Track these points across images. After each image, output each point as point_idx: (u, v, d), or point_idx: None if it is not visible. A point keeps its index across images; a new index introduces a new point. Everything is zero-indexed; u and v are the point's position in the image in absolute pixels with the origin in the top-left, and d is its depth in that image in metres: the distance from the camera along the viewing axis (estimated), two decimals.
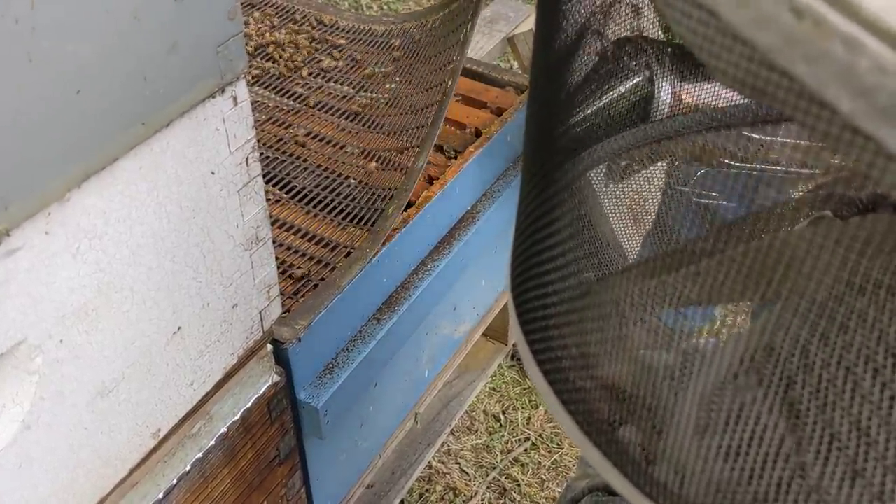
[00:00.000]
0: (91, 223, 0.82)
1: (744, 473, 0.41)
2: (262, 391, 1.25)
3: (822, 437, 0.39)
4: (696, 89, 0.68)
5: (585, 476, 0.91)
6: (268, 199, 1.57)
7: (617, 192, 0.66)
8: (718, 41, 0.32)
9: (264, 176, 1.62)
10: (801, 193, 0.60)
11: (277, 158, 1.69)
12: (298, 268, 1.47)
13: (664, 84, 0.67)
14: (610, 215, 0.66)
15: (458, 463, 2.42)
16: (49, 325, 0.82)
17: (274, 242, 1.49)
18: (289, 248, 1.50)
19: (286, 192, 1.62)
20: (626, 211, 0.66)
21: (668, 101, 0.68)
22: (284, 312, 1.37)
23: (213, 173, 0.94)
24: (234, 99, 0.93)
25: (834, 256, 0.37)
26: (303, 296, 1.42)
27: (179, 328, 0.98)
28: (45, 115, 0.73)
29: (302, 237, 1.53)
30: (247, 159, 0.98)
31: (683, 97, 0.67)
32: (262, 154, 1.68)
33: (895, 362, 0.38)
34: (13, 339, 0.79)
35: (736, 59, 0.32)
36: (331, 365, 1.45)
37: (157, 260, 0.91)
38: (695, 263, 0.45)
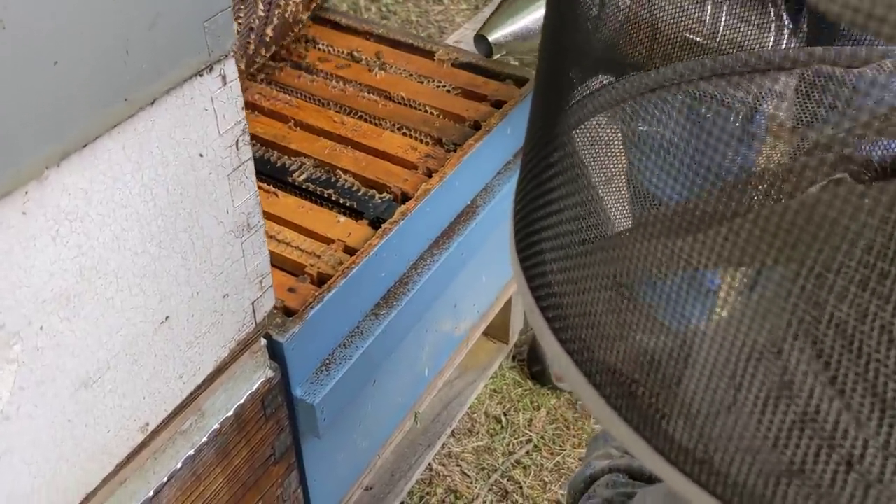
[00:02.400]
0: (72, 204, 0.78)
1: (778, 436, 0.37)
2: (255, 387, 1.21)
3: (864, 397, 0.36)
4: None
5: (608, 456, 0.88)
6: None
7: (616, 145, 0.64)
8: None
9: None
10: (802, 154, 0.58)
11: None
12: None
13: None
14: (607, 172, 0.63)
15: (459, 465, 2.38)
16: (28, 311, 0.78)
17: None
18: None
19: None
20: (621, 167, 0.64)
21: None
22: (278, 307, 1.33)
23: (201, 155, 0.90)
24: (223, 78, 0.90)
25: (858, 222, 0.36)
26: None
27: (167, 317, 0.94)
28: (20, 87, 0.69)
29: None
30: (237, 142, 0.94)
31: None
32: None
33: None
34: None
35: None
36: (327, 361, 1.41)
37: (142, 245, 0.87)
38: (714, 226, 0.43)
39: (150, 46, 0.79)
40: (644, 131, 0.61)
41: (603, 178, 0.63)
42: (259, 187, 1.55)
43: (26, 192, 0.74)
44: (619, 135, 0.64)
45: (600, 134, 0.63)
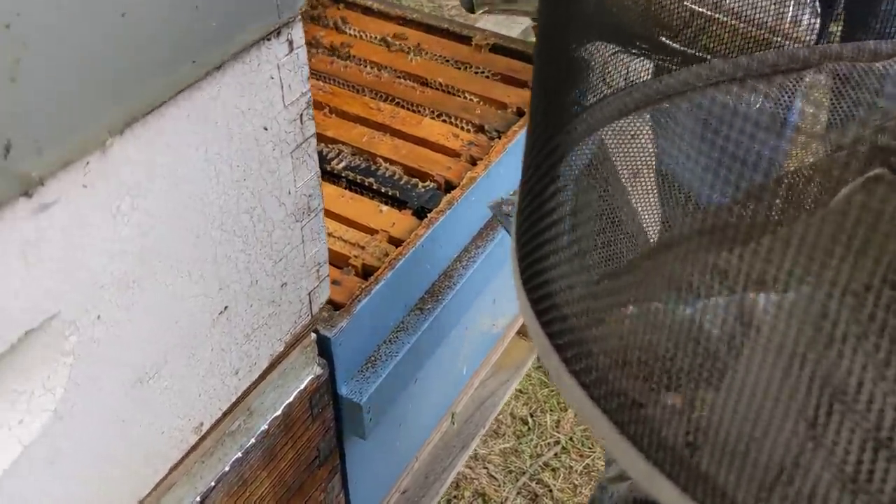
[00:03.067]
0: (134, 178, 0.70)
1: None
2: (304, 384, 1.13)
3: None
4: None
5: (625, 478, 0.82)
6: None
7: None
8: None
9: None
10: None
11: None
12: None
13: None
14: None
15: (486, 468, 2.30)
16: (85, 298, 0.70)
17: None
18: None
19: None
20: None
21: None
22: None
23: (266, 129, 0.82)
24: (290, 43, 0.82)
25: None
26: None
27: (226, 307, 0.86)
28: (85, 41, 0.61)
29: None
30: (301, 116, 0.86)
31: None
32: None
33: None
34: (46, 312, 0.67)
35: None
36: (373, 358, 1.33)
37: (204, 226, 0.79)
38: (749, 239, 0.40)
39: (220, 2, 0.71)
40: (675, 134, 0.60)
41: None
42: None
43: (87, 164, 0.65)
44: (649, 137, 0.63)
45: (629, 136, 0.61)
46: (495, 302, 1.74)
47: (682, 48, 0.66)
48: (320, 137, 1.57)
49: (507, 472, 2.27)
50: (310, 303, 1.01)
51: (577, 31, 0.56)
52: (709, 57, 0.66)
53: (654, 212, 0.65)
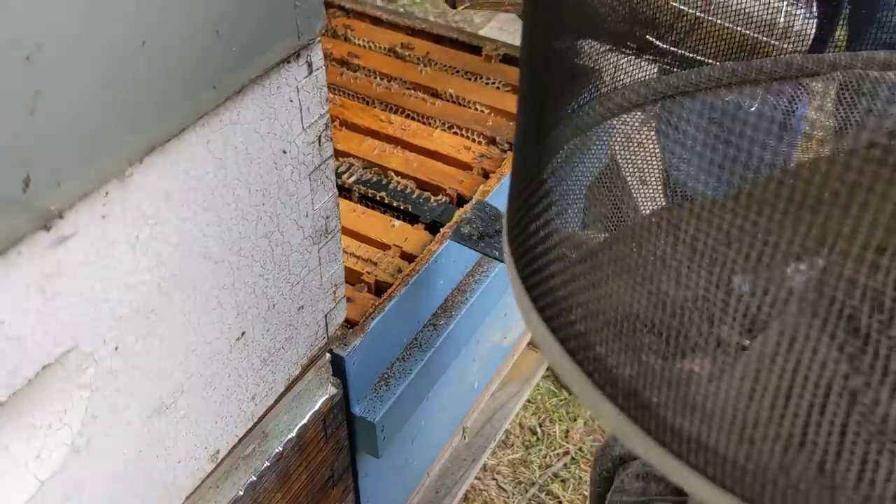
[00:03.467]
0: (153, 207, 0.69)
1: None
2: (318, 405, 1.11)
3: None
4: None
5: None
6: None
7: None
8: None
9: None
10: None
11: None
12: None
13: None
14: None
15: (495, 479, 2.28)
16: (104, 330, 0.68)
17: None
18: None
19: None
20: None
21: None
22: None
23: (284, 152, 0.81)
24: (309, 65, 0.80)
25: None
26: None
27: (243, 333, 0.85)
28: (107, 70, 0.59)
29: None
30: (319, 138, 0.85)
31: None
32: None
33: None
34: (62, 346, 0.65)
35: None
36: (386, 376, 1.31)
37: (222, 252, 0.78)
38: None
39: (241, 26, 0.69)
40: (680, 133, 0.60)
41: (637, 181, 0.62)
42: None
43: (106, 194, 0.64)
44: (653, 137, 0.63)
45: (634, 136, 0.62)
46: (506, 315, 1.72)
47: (672, 48, 0.66)
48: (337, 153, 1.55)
49: (516, 483, 2.25)
50: (326, 325, 0.99)
51: (565, 28, 0.56)
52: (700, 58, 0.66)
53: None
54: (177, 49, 0.64)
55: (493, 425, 2.00)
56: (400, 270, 1.33)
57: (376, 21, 1.84)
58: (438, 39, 1.80)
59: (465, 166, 1.52)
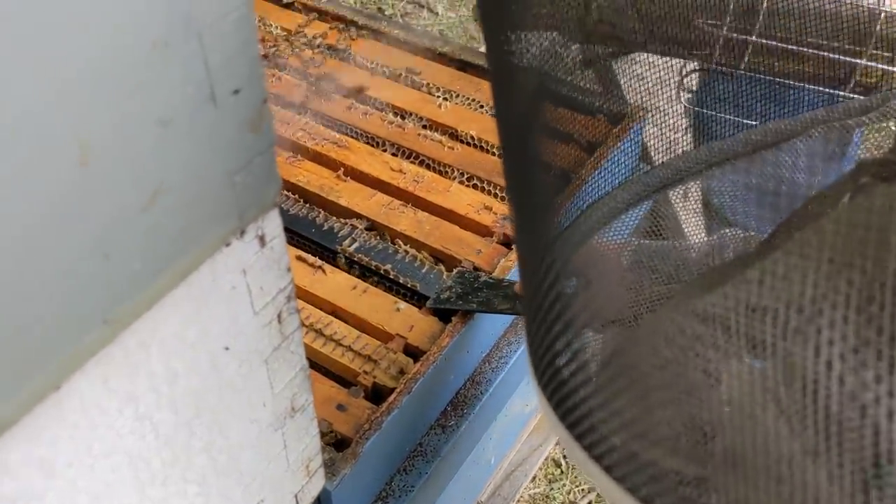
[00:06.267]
0: (26, 478, 0.50)
1: None
2: None
3: None
4: None
5: None
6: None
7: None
8: None
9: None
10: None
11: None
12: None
13: None
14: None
15: None
16: None
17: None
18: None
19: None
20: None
21: None
22: (325, 431, 1.05)
23: (227, 349, 0.61)
24: (261, 239, 0.60)
25: None
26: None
27: None
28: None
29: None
30: (279, 315, 0.65)
31: None
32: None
33: None
34: None
35: None
36: (384, 494, 1.13)
37: (138, 495, 0.59)
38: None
39: (143, 238, 0.49)
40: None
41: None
42: (302, 260, 1.26)
43: None
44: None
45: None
46: (528, 383, 1.53)
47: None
48: (332, 207, 1.35)
49: None
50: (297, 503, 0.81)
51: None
52: None
53: None
54: (57, 278, 0.44)
55: (512, 483, 1.83)
56: (403, 372, 1.13)
57: (393, 41, 1.62)
58: (463, 66, 1.58)
59: (485, 231, 1.32)
